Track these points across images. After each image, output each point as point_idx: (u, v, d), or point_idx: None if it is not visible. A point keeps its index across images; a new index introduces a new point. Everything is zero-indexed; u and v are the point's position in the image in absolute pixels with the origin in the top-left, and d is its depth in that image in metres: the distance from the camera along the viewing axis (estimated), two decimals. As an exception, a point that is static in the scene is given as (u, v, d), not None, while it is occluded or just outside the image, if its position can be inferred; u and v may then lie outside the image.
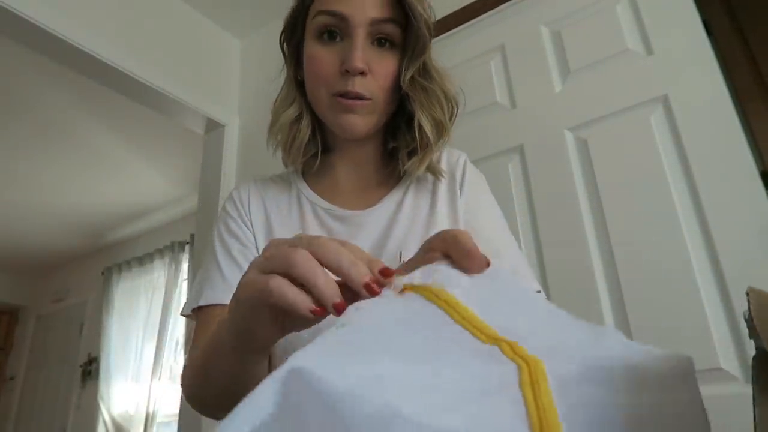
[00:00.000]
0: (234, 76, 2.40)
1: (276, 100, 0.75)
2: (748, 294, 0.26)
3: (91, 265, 4.78)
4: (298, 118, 0.70)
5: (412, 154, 0.68)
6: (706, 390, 1.07)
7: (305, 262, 0.33)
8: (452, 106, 0.69)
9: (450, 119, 0.69)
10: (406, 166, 0.67)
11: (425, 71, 0.67)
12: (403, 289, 0.33)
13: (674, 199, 1.20)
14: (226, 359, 0.44)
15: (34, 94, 2.82)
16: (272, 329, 0.38)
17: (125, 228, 4.50)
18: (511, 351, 0.30)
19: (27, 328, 5.15)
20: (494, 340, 0.31)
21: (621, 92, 1.34)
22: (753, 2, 1.27)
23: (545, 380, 0.29)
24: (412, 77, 0.65)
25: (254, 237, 0.69)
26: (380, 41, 0.64)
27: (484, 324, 0.32)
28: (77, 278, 4.94)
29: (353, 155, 0.72)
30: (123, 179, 3.74)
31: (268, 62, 2.36)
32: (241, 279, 0.36)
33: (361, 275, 0.33)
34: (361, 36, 0.62)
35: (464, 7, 1.67)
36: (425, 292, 0.33)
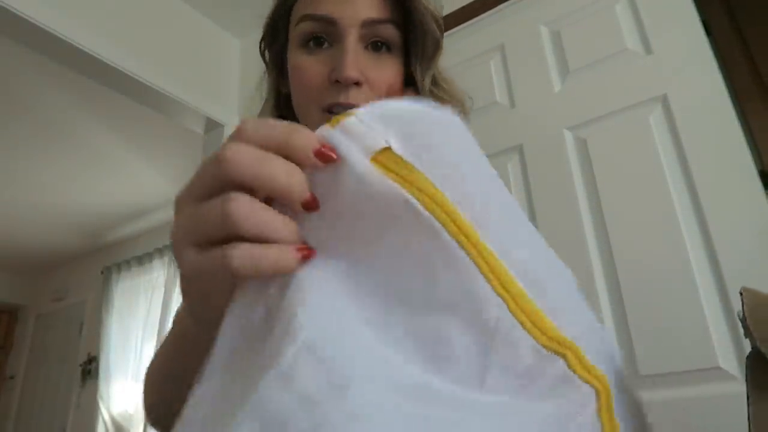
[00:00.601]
0: (234, 76, 2.40)
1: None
2: (742, 294, 0.27)
3: (91, 265, 4.78)
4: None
5: None
6: (705, 389, 1.07)
7: (246, 219, 0.25)
8: (462, 110, 0.63)
9: None
10: None
11: (434, 80, 0.61)
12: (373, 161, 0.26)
13: (673, 198, 1.20)
14: (196, 353, 0.32)
15: (34, 94, 2.82)
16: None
17: (125, 227, 4.50)
18: (580, 365, 0.25)
19: (26, 327, 5.15)
20: (554, 342, 0.25)
21: (620, 92, 1.34)
22: (752, 2, 1.27)
23: (612, 406, 0.25)
24: (423, 85, 0.58)
25: None
26: (376, 45, 0.55)
27: (522, 292, 0.26)
28: (77, 277, 4.94)
29: None
30: (123, 179, 3.74)
31: (268, 62, 2.37)
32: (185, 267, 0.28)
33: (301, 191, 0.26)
34: (352, 40, 0.53)
35: (463, 7, 1.67)
36: (416, 191, 0.26)
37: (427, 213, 0.25)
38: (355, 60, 0.53)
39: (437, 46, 0.58)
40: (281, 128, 0.27)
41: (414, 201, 0.25)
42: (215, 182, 0.26)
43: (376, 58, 0.55)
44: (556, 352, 0.25)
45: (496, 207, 0.29)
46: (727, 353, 1.06)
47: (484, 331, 0.24)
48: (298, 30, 0.56)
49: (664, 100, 1.27)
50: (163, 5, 2.17)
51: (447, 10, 1.69)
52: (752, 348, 0.27)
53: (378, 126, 0.26)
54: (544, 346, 0.25)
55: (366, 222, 0.26)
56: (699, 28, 1.28)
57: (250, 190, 0.26)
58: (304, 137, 0.26)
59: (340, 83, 0.53)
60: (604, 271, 1.24)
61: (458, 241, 0.25)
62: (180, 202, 0.29)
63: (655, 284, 1.17)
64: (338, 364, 0.21)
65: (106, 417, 3.94)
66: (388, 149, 0.26)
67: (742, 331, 0.30)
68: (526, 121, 1.47)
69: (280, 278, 0.25)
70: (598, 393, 0.25)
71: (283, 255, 0.25)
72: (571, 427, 0.24)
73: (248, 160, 0.25)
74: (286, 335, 0.22)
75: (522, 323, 0.25)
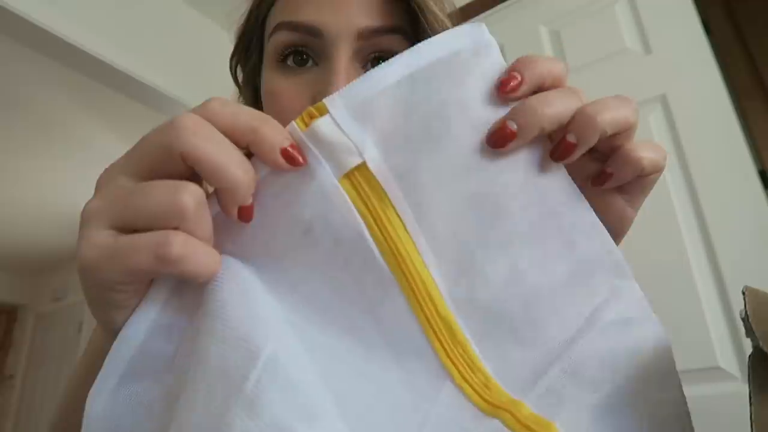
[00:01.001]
0: (228, 73, 2.40)
1: None
2: (744, 293, 0.26)
3: (90, 264, 4.77)
4: None
5: None
6: (704, 389, 1.07)
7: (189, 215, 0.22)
8: None
9: None
10: None
11: None
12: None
13: (673, 198, 1.20)
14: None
15: (33, 94, 2.82)
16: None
17: (124, 227, 4.49)
18: (519, 424, 0.24)
19: (26, 326, 5.15)
20: (492, 405, 0.24)
21: (619, 91, 1.33)
22: (752, 2, 1.27)
23: None
24: None
25: None
26: (377, 62, 0.42)
27: (464, 339, 0.24)
28: (76, 277, 4.88)
29: None
30: (122, 178, 3.73)
31: (268, 61, 2.37)
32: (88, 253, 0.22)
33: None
34: (344, 56, 0.40)
35: (463, 7, 1.67)
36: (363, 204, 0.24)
37: (382, 262, 0.23)
38: (348, 83, 0.39)
39: None
40: (251, 114, 0.24)
41: (373, 247, 0.23)
42: (159, 152, 0.23)
43: None
44: (493, 415, 0.24)
45: (485, 225, 0.26)
46: (727, 353, 1.06)
47: (427, 398, 0.23)
48: (273, 42, 0.43)
49: (664, 100, 1.27)
50: (163, 4, 2.17)
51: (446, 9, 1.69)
52: (754, 347, 0.27)
53: (355, 128, 0.24)
54: (480, 408, 0.24)
55: (314, 244, 0.24)
56: (699, 28, 1.28)
57: (191, 174, 0.23)
58: (274, 130, 0.23)
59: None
60: (604, 271, 1.24)
61: (407, 297, 0.23)
62: (108, 174, 0.24)
63: (654, 283, 1.16)
64: (302, 390, 0.20)
65: (106, 417, 3.94)
66: (362, 167, 0.24)
67: (741, 330, 0.30)
68: (525, 121, 1.47)
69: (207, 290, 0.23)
70: None
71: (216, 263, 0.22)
72: None
73: (204, 136, 0.22)
74: (246, 357, 0.20)
75: (457, 382, 0.24)
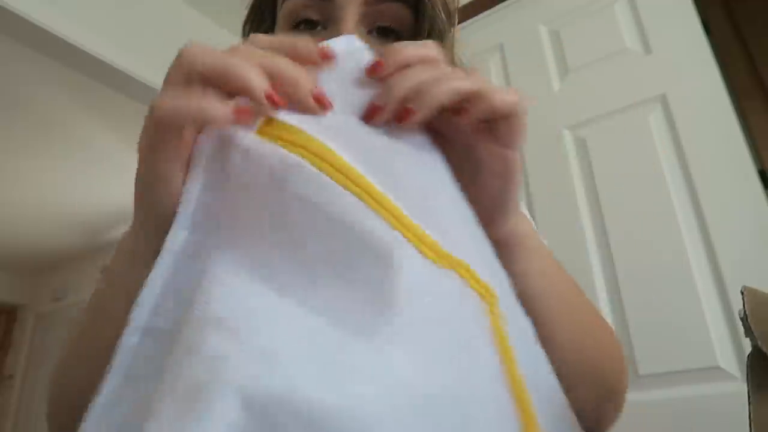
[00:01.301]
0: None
1: None
2: (743, 293, 0.27)
3: (90, 264, 4.78)
4: None
5: None
6: (704, 388, 1.07)
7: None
8: None
9: None
10: None
11: None
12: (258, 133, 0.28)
13: (672, 197, 1.20)
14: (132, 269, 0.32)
15: (33, 94, 2.82)
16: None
17: (124, 227, 4.49)
18: (473, 279, 0.28)
19: (26, 326, 5.15)
20: (444, 259, 0.28)
21: (619, 91, 1.34)
22: (751, 2, 1.27)
23: (503, 323, 0.29)
24: None
25: None
26: (382, 31, 0.46)
27: (411, 222, 0.28)
28: (76, 277, 4.93)
29: None
30: (123, 179, 3.73)
31: (267, 61, 2.37)
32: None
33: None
34: (351, 20, 0.43)
35: (462, 6, 1.67)
36: (299, 149, 0.27)
37: (315, 170, 0.27)
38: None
39: (441, 35, 0.49)
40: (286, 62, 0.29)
41: (302, 161, 0.27)
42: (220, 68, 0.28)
43: (380, 42, 0.45)
44: (448, 267, 0.27)
45: (396, 156, 0.31)
46: (727, 352, 1.06)
47: (385, 262, 0.25)
48: (285, 8, 0.46)
49: (664, 100, 1.27)
50: (163, 4, 2.17)
51: (446, 9, 1.69)
52: (753, 347, 0.27)
53: None
54: (435, 262, 0.27)
55: (261, 194, 0.27)
56: (698, 28, 1.28)
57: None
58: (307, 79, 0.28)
59: None
60: (603, 271, 1.24)
61: (345, 186, 0.27)
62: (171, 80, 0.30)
63: (654, 283, 1.17)
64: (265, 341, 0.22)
65: (106, 417, 3.94)
66: (271, 119, 0.28)
67: (741, 330, 0.30)
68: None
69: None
70: (490, 305, 0.28)
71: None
72: (472, 329, 0.27)
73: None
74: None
75: (412, 243, 0.27)
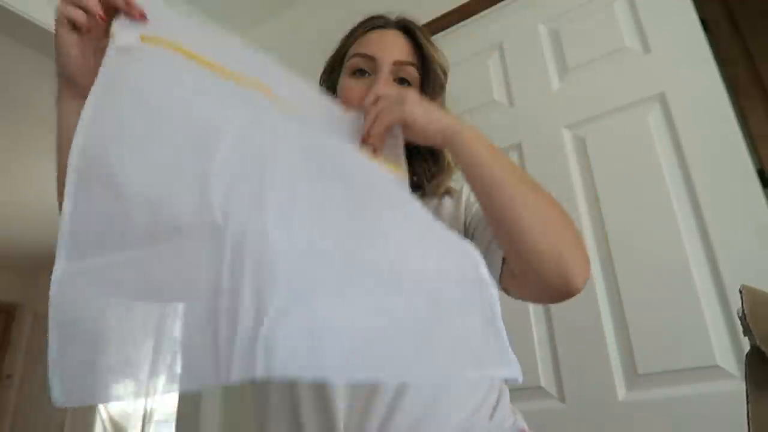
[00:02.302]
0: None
1: None
2: (741, 292, 0.27)
3: (89, 263, 4.77)
4: None
5: (432, 178, 0.80)
6: (703, 387, 1.07)
7: None
8: None
9: None
10: (431, 185, 0.79)
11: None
12: (142, 41, 0.49)
13: (671, 196, 1.20)
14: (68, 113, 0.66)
15: (33, 93, 2.82)
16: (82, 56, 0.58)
17: (123, 226, 4.49)
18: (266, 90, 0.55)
19: (24, 325, 5.14)
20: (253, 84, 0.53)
21: (619, 90, 1.34)
22: (751, 0, 1.27)
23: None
24: None
25: None
26: (401, 80, 0.77)
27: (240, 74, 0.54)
28: (75, 276, 4.93)
29: None
30: (121, 177, 3.73)
31: (266, 60, 2.36)
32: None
33: None
34: (385, 72, 0.75)
35: (462, 5, 1.67)
36: (165, 44, 0.50)
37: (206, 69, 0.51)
38: (385, 85, 0.75)
39: (442, 86, 0.79)
40: None
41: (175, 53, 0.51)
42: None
43: (400, 89, 0.75)
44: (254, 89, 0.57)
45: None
46: (726, 351, 1.06)
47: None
48: (350, 63, 0.79)
49: (663, 99, 1.27)
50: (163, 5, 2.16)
51: (446, 8, 1.69)
52: (751, 346, 0.27)
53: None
54: (238, 83, 0.57)
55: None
56: (697, 26, 1.28)
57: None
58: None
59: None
60: (602, 269, 1.24)
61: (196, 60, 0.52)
62: None
63: (653, 282, 1.17)
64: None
65: (104, 416, 3.93)
66: (151, 36, 0.51)
67: (740, 329, 0.29)
68: (524, 120, 1.47)
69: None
70: (268, 93, 0.59)
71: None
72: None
73: None
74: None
75: (239, 83, 0.56)
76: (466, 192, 0.78)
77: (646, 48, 1.34)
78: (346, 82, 0.79)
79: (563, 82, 1.45)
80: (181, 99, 0.44)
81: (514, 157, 1.46)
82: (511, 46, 1.57)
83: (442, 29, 1.65)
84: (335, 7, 2.07)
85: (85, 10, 0.53)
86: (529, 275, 0.59)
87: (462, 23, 1.66)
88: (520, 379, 0.40)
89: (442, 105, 0.81)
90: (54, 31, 0.55)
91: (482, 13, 1.63)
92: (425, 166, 0.81)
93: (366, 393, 0.61)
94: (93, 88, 0.44)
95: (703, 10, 1.30)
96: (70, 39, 0.56)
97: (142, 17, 0.53)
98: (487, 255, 0.59)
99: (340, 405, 0.61)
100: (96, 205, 0.40)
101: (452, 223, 0.75)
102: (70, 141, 0.45)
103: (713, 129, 1.20)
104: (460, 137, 0.59)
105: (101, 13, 0.53)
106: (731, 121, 1.18)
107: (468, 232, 0.73)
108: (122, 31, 0.49)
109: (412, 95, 0.63)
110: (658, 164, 1.23)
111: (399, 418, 0.59)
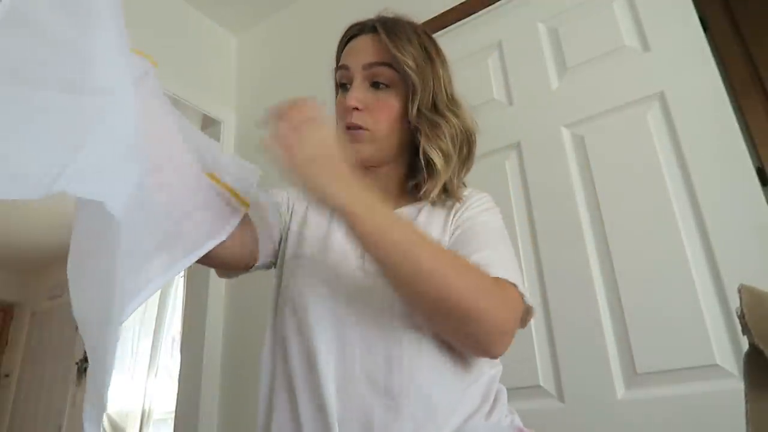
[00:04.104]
0: (230, 73, 2.39)
1: None
2: (740, 291, 0.26)
3: (88, 262, 4.76)
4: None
5: (427, 181, 0.75)
6: (702, 386, 1.07)
7: None
8: (465, 137, 0.77)
9: (462, 149, 0.77)
10: (421, 193, 0.75)
11: (434, 106, 0.75)
12: None
13: (671, 195, 1.20)
14: None
15: (29, 91, 2.81)
16: None
17: (121, 225, 4.48)
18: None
19: (22, 325, 5.14)
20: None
21: (618, 89, 1.34)
22: (750, 0, 1.27)
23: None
24: (419, 112, 0.74)
25: (290, 212, 0.82)
26: (376, 84, 0.75)
27: None
28: (73, 275, 4.92)
29: (377, 177, 0.79)
30: (119, 176, 3.72)
31: (265, 59, 2.36)
32: None
33: None
34: (357, 79, 0.75)
35: (462, 4, 1.66)
36: None
37: None
38: (356, 93, 0.74)
39: (414, 83, 0.74)
40: None
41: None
42: None
43: (376, 93, 0.76)
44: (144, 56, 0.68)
45: None
46: (725, 350, 1.06)
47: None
48: (336, 77, 0.81)
49: (662, 97, 1.27)
50: (165, 6, 2.16)
51: (445, 7, 1.68)
52: (750, 345, 0.27)
53: None
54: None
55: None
56: (696, 25, 1.27)
57: None
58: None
59: (347, 110, 0.74)
60: (602, 269, 1.24)
61: None
62: None
63: (652, 281, 1.17)
64: None
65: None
66: None
67: (739, 328, 0.29)
68: (523, 119, 1.47)
69: None
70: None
71: None
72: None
73: None
74: None
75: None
76: (460, 211, 0.75)
77: (646, 47, 1.33)
78: (336, 98, 0.81)
79: (562, 81, 1.45)
80: None
81: (513, 156, 1.46)
82: (511, 45, 1.57)
83: (442, 28, 1.65)
84: (335, 7, 2.07)
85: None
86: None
87: (461, 22, 1.66)
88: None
89: (436, 96, 0.75)
90: None
91: (481, 12, 1.63)
92: (420, 170, 0.76)
93: (361, 396, 0.61)
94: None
95: (703, 8, 1.30)
96: None
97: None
98: None
99: (334, 407, 0.61)
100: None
101: (440, 236, 0.73)
102: None
103: (713, 128, 1.20)
104: (341, 212, 0.57)
105: None
106: (731, 120, 1.18)
107: None
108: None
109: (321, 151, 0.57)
110: (657, 163, 1.23)
111: (398, 424, 0.59)
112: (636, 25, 1.37)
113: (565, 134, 1.39)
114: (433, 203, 0.76)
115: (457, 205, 0.76)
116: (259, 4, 2.28)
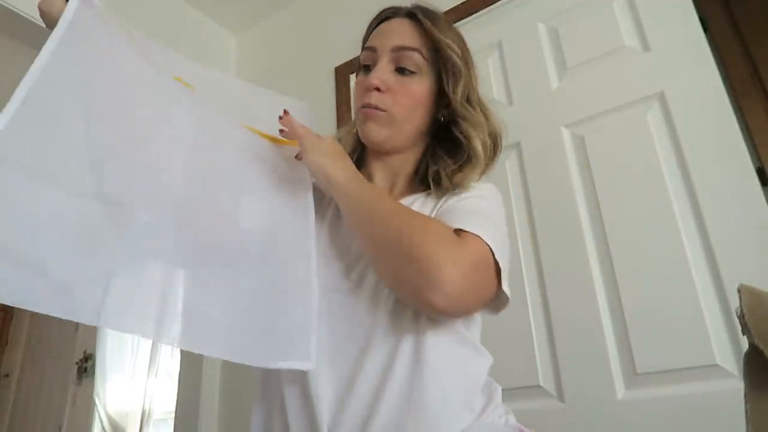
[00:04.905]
0: (230, 73, 2.39)
1: None
2: (740, 291, 0.26)
3: (88, 262, 4.76)
4: (348, 132, 0.85)
5: (453, 173, 0.72)
6: (702, 386, 1.08)
7: None
8: (493, 138, 0.76)
9: (489, 152, 0.76)
10: (444, 182, 0.71)
11: (469, 101, 0.75)
12: None
13: (671, 195, 1.20)
14: None
15: (29, 91, 2.81)
16: None
17: (121, 225, 4.48)
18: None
19: (22, 324, 5.13)
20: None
21: (618, 89, 1.34)
22: (750, 0, 1.27)
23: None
24: (456, 101, 0.74)
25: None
26: (401, 70, 0.74)
27: None
28: (73, 275, 4.92)
29: (386, 165, 0.79)
30: (119, 176, 3.72)
31: (265, 59, 2.36)
32: None
33: None
34: (383, 60, 0.74)
35: (462, 4, 1.66)
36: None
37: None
38: (379, 73, 0.73)
39: (458, 69, 0.74)
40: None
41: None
42: None
43: (401, 78, 0.74)
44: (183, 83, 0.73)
45: None
46: (725, 351, 1.06)
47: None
48: (361, 56, 0.79)
49: (662, 98, 1.27)
50: (163, 4, 2.16)
51: (445, 6, 1.68)
52: (749, 345, 0.27)
53: None
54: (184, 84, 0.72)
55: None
56: (696, 25, 1.27)
57: None
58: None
59: (368, 90, 0.73)
60: (602, 268, 1.24)
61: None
62: None
63: (652, 281, 1.17)
64: None
65: (102, 415, 3.93)
66: None
67: (739, 328, 0.29)
68: (523, 119, 1.47)
69: None
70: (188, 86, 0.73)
71: None
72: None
73: None
74: None
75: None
76: (453, 198, 0.71)
77: (646, 47, 1.33)
78: (357, 78, 0.80)
79: (562, 81, 1.45)
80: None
81: (513, 156, 1.46)
82: (511, 45, 1.57)
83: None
84: (335, 7, 2.07)
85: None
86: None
87: (461, 22, 1.65)
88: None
89: (470, 91, 0.76)
90: None
91: (481, 12, 1.63)
92: (444, 162, 0.73)
93: (343, 392, 0.61)
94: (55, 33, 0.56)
95: (703, 8, 1.30)
96: None
97: None
98: None
99: (323, 407, 0.61)
100: None
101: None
102: None
103: (713, 128, 1.20)
104: (335, 189, 0.67)
105: None
106: (731, 120, 1.18)
107: None
108: None
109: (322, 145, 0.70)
110: (657, 163, 1.23)
111: (378, 420, 0.59)
112: (636, 25, 1.37)
113: (565, 134, 1.39)
114: (429, 194, 0.73)
115: (453, 192, 0.72)
116: (259, 4, 2.28)
